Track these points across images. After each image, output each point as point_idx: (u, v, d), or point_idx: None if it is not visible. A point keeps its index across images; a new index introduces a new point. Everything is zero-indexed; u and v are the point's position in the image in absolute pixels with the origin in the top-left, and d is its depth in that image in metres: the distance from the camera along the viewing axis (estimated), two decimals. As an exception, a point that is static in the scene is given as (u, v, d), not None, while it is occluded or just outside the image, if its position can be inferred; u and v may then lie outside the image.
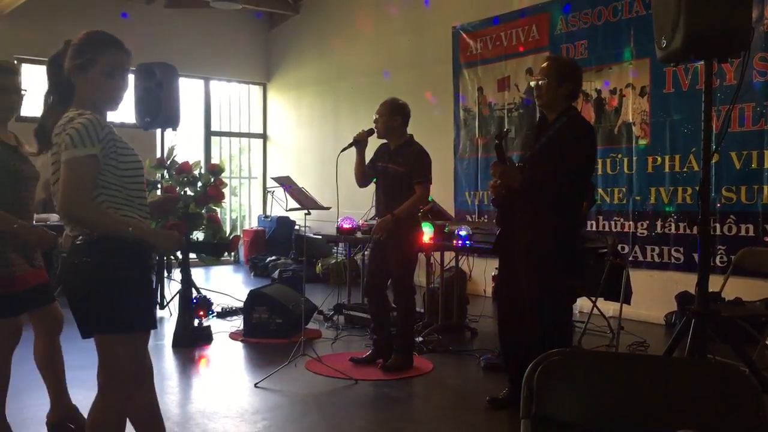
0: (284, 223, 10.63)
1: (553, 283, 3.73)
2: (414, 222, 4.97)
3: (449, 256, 6.39)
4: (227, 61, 11.48)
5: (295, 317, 5.67)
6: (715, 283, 4.07)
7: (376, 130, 4.92)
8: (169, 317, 6.72)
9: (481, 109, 8.25)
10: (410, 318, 5.00)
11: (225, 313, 6.82)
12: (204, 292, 6.44)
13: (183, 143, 9.84)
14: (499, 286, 4.36)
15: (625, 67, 6.78)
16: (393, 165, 4.85)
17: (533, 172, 3.79)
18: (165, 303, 7.02)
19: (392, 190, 4.84)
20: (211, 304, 6.53)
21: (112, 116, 3.41)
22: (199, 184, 5.76)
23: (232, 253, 11.07)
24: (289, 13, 11.19)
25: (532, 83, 4.01)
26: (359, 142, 4.89)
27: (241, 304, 6.36)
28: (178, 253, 5.93)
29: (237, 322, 6.42)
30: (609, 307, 5.81)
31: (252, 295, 5.98)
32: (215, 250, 5.61)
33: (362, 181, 5.02)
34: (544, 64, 3.91)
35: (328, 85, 10.69)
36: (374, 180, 5.04)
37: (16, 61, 9.63)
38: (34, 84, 10.72)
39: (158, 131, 7.02)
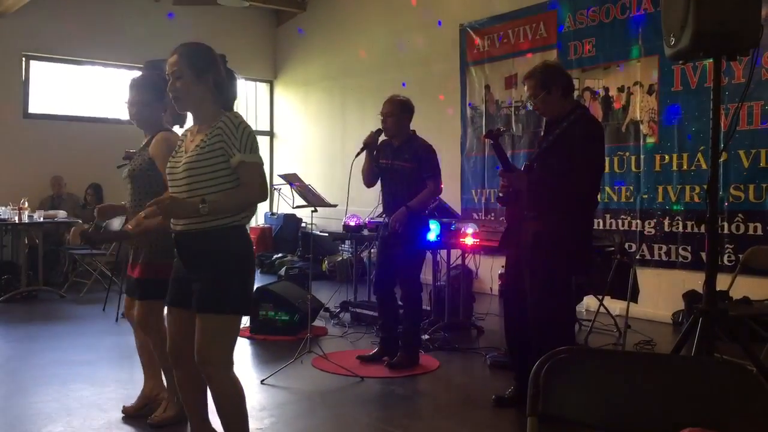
0: (291, 220, 10.64)
1: (556, 279, 3.73)
2: (421, 220, 4.97)
3: (456, 253, 6.38)
4: (234, 58, 11.27)
5: (301, 314, 5.68)
6: (722, 281, 4.05)
7: (384, 129, 4.91)
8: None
9: (488, 106, 8.24)
10: (417, 315, 5.00)
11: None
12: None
13: (190, 140, 9.85)
14: (505, 283, 4.36)
15: (633, 65, 6.76)
16: (400, 161, 4.84)
17: (540, 172, 3.79)
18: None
19: (400, 185, 4.83)
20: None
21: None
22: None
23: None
24: (296, 10, 11.20)
25: (530, 107, 4.05)
26: (369, 144, 4.88)
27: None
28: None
29: (243, 319, 6.42)
30: (616, 306, 5.80)
31: (259, 291, 5.99)
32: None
33: (371, 181, 5.01)
34: (526, 86, 3.93)
35: (335, 81, 10.69)
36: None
37: (23, 59, 9.69)
38: (41, 81, 10.75)
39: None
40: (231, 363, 2.84)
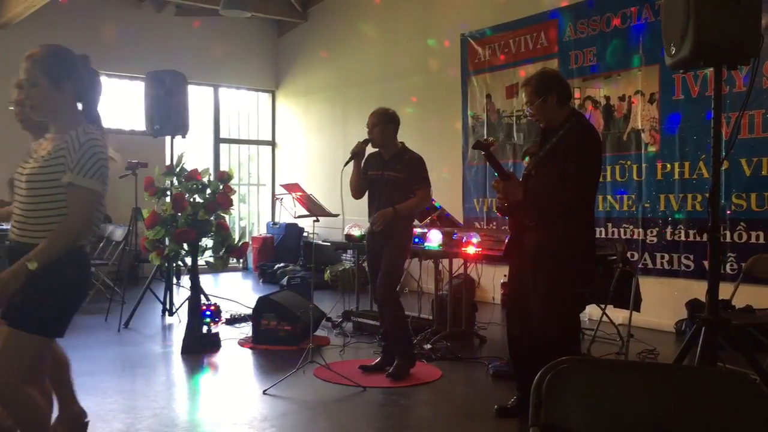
0: (293, 230, 10.64)
1: (559, 289, 3.72)
2: (408, 231, 4.99)
3: (458, 262, 6.38)
4: (236, 68, 11.53)
5: (303, 324, 5.68)
6: (725, 290, 4.04)
7: (371, 140, 4.93)
8: (177, 324, 6.74)
9: (489, 116, 8.25)
10: (400, 324, 4.94)
11: (233, 320, 6.82)
12: (213, 299, 6.46)
13: (192, 150, 9.89)
14: (508, 293, 4.36)
15: (634, 74, 6.77)
16: (391, 172, 4.87)
17: (536, 181, 3.79)
18: (174, 310, 7.04)
19: (390, 196, 4.84)
20: (221, 311, 6.52)
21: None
22: (208, 191, 5.78)
23: (241, 260, 11.10)
24: (297, 20, 11.24)
25: (527, 114, 4.07)
26: (357, 154, 4.91)
27: (249, 311, 6.37)
28: (187, 260, 5.94)
29: (245, 329, 6.43)
30: (618, 315, 5.79)
31: (260, 302, 5.99)
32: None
33: (358, 192, 5.04)
34: (522, 94, 3.94)
35: (337, 91, 10.72)
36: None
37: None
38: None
39: (167, 138, 7.06)
40: (25, 381, 2.66)
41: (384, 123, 4.91)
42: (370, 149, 5.04)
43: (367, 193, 5.04)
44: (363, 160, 4.99)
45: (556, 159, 3.71)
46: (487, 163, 8.02)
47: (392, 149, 4.93)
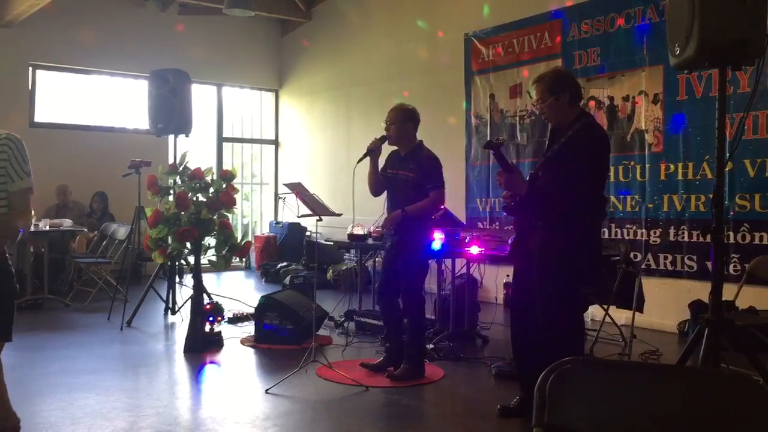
0: (295, 229, 10.65)
1: (564, 289, 3.71)
2: (425, 230, 4.95)
3: (460, 263, 6.37)
4: (240, 67, 11.55)
5: (306, 323, 5.68)
6: (728, 291, 4.03)
7: (387, 137, 4.90)
8: (180, 323, 6.75)
9: (492, 116, 8.25)
10: (419, 328, 4.93)
11: (236, 319, 6.83)
12: (215, 298, 6.46)
13: (195, 149, 9.88)
14: (512, 293, 4.35)
15: (637, 74, 6.76)
16: (404, 171, 4.82)
17: (543, 181, 3.79)
18: (176, 309, 7.05)
19: (403, 195, 4.79)
20: (223, 310, 6.53)
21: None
22: (211, 190, 5.78)
23: (244, 259, 11.11)
24: (301, 19, 11.24)
25: (537, 111, 4.04)
26: (373, 151, 4.86)
27: (252, 310, 6.37)
28: (190, 259, 5.95)
29: (248, 328, 6.43)
30: (621, 315, 5.78)
31: (263, 301, 5.99)
32: None
33: (376, 190, 4.98)
34: (533, 90, 3.91)
35: (340, 91, 10.72)
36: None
37: (30, 68, 9.74)
38: (48, 90, 10.83)
39: (171, 137, 7.07)
40: None
41: (401, 120, 4.83)
42: (391, 147, 4.99)
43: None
44: (379, 157, 4.90)
45: (564, 159, 3.71)
46: (491, 161, 8.10)
47: (408, 147, 4.87)
